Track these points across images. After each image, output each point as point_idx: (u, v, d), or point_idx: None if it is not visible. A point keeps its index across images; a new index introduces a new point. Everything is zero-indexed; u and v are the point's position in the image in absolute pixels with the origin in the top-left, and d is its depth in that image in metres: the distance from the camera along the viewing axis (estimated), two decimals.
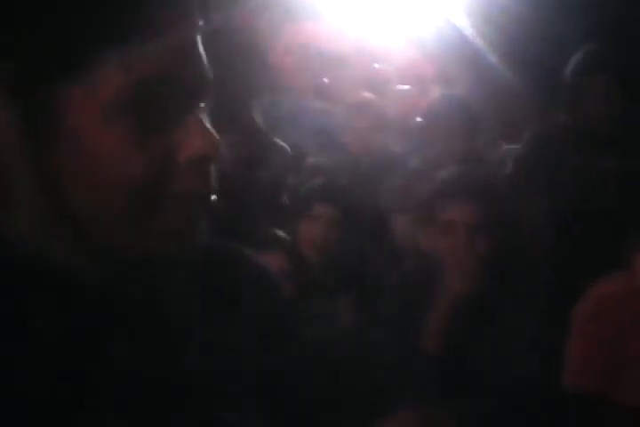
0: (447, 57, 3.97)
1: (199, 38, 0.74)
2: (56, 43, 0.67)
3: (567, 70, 3.03)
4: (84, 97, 0.68)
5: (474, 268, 2.44)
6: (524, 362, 2.28)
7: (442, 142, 3.13)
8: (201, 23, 0.74)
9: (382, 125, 3.33)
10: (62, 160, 0.69)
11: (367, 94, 3.47)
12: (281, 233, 2.88)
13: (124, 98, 0.68)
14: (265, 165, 3.19)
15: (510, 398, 2.22)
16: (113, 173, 0.69)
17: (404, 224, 3.01)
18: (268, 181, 3.15)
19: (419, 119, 3.42)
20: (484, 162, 3.26)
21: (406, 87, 3.96)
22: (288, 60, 3.75)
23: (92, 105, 0.68)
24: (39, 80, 0.68)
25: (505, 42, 3.97)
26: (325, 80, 4.02)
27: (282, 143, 3.27)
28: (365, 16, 4.36)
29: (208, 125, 0.73)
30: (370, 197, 3.13)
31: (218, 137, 0.73)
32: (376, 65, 4.13)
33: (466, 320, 2.41)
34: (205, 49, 0.74)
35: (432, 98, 3.31)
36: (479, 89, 3.61)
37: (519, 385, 2.24)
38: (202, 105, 0.74)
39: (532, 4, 4.12)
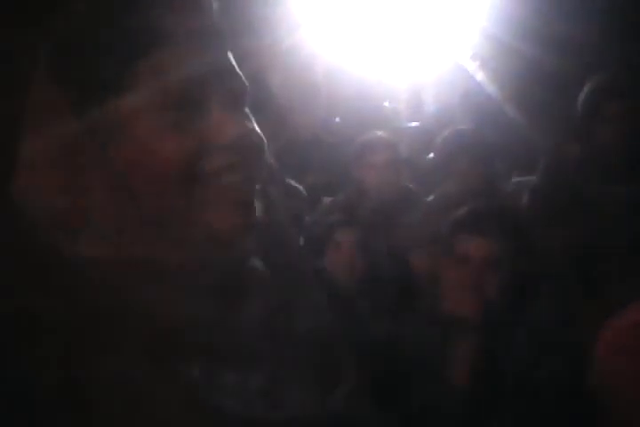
0: (457, 93, 4.01)
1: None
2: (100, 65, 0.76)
3: (579, 100, 3.06)
4: (137, 104, 0.77)
5: (490, 299, 2.46)
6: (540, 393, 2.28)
7: (456, 178, 3.16)
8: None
9: (395, 161, 3.35)
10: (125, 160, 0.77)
11: (379, 132, 3.50)
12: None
13: (168, 91, 0.76)
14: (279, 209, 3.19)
15: None
16: (163, 156, 0.77)
17: (422, 259, 3.02)
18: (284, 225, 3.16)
19: (431, 155, 3.45)
20: (498, 196, 3.27)
21: (417, 124, 4.00)
22: (299, 99, 3.78)
23: (145, 110, 0.77)
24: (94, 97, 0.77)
25: (514, 76, 4.03)
26: (337, 119, 4.07)
27: (295, 184, 3.30)
28: (376, 54, 4.43)
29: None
30: (387, 234, 3.14)
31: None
32: (386, 103, 4.18)
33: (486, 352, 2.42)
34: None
35: (444, 134, 3.33)
36: (490, 123, 3.63)
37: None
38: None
39: (539, 40, 4.18)
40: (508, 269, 2.55)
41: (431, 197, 3.25)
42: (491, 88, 3.93)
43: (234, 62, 0.84)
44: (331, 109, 4.05)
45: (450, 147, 3.22)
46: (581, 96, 3.05)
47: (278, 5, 4.05)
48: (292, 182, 3.32)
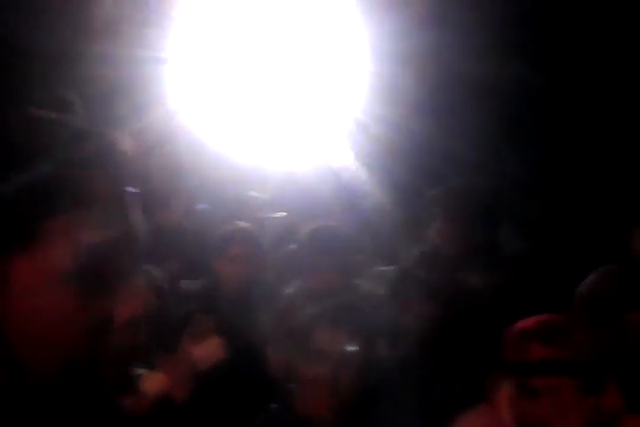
0: (321, 187, 4.07)
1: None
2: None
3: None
4: (32, 265, 0.75)
5: (341, 397, 2.46)
6: None
7: (317, 271, 3.18)
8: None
9: (254, 256, 3.36)
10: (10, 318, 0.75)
11: (241, 223, 3.50)
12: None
13: (70, 265, 0.76)
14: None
15: None
16: (57, 330, 0.76)
17: (279, 352, 2.99)
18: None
19: (293, 247, 3.47)
20: (357, 289, 3.31)
21: (281, 215, 4.02)
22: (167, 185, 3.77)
23: (39, 272, 0.75)
24: None
25: (376, 170, 4.14)
26: (202, 207, 4.05)
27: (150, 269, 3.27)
28: (247, 144, 4.47)
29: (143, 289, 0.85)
30: (243, 326, 3.10)
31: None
32: (253, 193, 4.19)
33: None
34: None
35: (308, 229, 3.36)
36: (353, 218, 3.70)
37: None
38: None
39: (405, 135, 4.33)
40: (362, 365, 2.56)
41: (290, 291, 3.25)
42: (361, 181, 4.03)
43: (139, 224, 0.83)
44: (196, 197, 4.03)
45: (312, 242, 3.24)
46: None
47: (150, 93, 4.07)
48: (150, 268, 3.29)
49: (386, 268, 3.52)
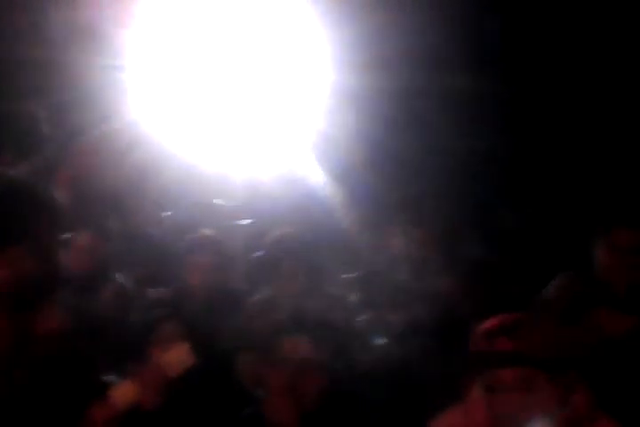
0: (287, 193, 4.10)
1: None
2: None
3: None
4: None
5: (308, 404, 2.48)
6: None
7: (283, 279, 3.21)
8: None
9: (219, 263, 3.37)
10: None
11: (206, 230, 3.51)
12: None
13: (3, 288, 0.92)
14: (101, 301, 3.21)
15: None
16: None
17: (247, 359, 3.00)
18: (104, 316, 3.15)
19: (259, 253, 3.49)
20: (324, 295, 3.34)
21: (247, 222, 4.04)
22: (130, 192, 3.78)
23: None
24: None
25: (340, 177, 4.18)
26: (165, 214, 4.06)
27: (118, 277, 3.30)
28: (213, 150, 4.48)
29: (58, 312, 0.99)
30: (210, 333, 3.11)
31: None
32: (218, 200, 4.20)
33: None
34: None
35: (274, 236, 3.39)
36: (319, 225, 3.73)
37: None
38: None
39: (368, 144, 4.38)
40: (326, 373, 2.59)
41: (257, 298, 3.26)
42: (325, 189, 4.06)
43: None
44: (161, 204, 4.04)
45: (278, 249, 3.27)
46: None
47: (114, 101, 4.07)
48: (119, 276, 3.30)
49: (353, 274, 3.56)
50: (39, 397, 1.04)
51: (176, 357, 2.78)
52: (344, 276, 3.62)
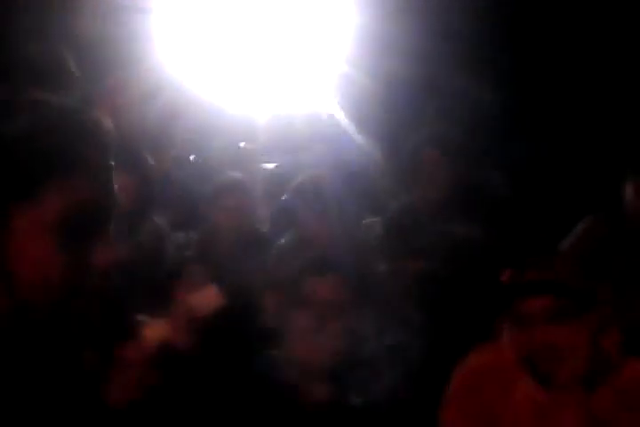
0: (312, 137, 4.09)
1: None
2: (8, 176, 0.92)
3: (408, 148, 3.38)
4: (29, 216, 0.92)
5: (339, 347, 2.51)
6: None
7: (310, 221, 3.22)
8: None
9: (247, 205, 3.40)
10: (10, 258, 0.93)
11: (233, 173, 3.53)
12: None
13: (62, 217, 0.93)
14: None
15: None
16: (45, 271, 0.93)
17: (273, 302, 3.04)
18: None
19: (285, 197, 3.51)
20: (350, 238, 3.36)
21: (272, 165, 4.05)
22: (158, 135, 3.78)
23: (35, 223, 0.92)
24: None
25: (365, 122, 4.15)
26: (192, 157, 4.07)
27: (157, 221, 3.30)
28: (236, 93, 4.47)
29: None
30: (238, 276, 3.15)
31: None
32: (243, 143, 4.21)
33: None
34: None
35: (299, 179, 3.39)
36: (343, 168, 3.73)
37: None
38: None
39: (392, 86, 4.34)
40: (353, 313, 2.61)
41: (283, 240, 3.30)
42: (349, 132, 4.05)
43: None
44: (186, 147, 4.05)
45: (303, 193, 3.28)
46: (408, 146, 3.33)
47: (138, 43, 4.06)
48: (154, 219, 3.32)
49: (375, 219, 3.57)
50: (84, 330, 1.05)
51: (205, 298, 2.82)
52: (367, 220, 3.63)
